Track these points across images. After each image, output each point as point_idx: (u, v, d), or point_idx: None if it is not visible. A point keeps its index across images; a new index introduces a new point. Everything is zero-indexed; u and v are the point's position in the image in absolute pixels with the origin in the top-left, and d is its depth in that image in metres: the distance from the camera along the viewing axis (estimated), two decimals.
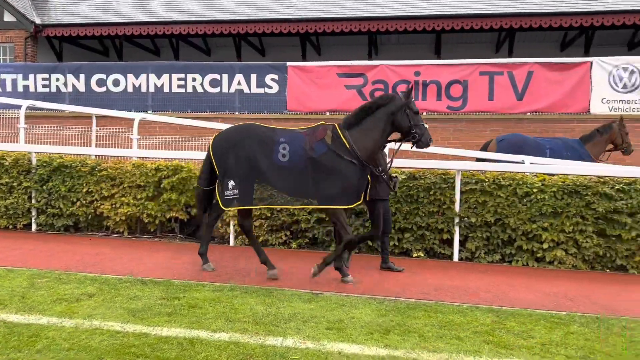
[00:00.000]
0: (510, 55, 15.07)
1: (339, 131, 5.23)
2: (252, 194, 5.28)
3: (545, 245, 6.57)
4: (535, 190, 6.63)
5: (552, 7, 14.27)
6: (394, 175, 5.75)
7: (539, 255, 6.63)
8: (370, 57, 16.12)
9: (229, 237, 7.51)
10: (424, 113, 10.69)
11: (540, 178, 6.77)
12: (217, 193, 5.47)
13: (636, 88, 10.02)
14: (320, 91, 11.05)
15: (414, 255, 6.92)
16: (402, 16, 14.33)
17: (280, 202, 5.33)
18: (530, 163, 7.53)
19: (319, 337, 3.77)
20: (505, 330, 4.05)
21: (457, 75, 10.64)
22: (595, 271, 6.51)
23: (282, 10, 15.06)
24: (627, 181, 6.55)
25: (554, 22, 13.95)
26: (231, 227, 7.44)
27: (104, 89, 11.97)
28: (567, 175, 6.80)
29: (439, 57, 15.59)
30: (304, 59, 15.76)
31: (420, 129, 5.29)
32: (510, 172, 6.93)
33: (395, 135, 5.45)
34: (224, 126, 9.86)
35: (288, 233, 7.30)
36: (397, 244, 7.00)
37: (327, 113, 11.14)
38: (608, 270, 6.53)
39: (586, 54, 14.85)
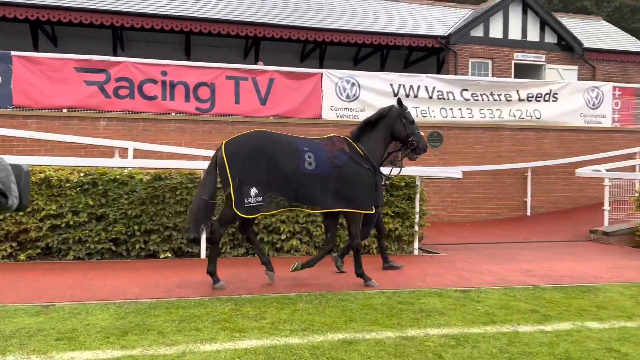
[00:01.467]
0: (256, 62, 16.05)
1: (352, 142, 5.51)
2: (274, 200, 5.15)
3: (283, 236, 7.25)
4: None
5: (292, 21, 15.72)
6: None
7: (278, 245, 7.29)
8: (115, 53, 15.31)
9: None
10: (172, 114, 10.68)
11: None
12: (232, 202, 4.97)
13: (356, 98, 11.75)
14: (55, 86, 10.05)
15: (162, 257, 6.88)
16: (149, 13, 14.00)
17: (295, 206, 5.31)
18: None
19: (47, 349, 3.50)
20: (241, 315, 4.37)
21: (205, 78, 10.89)
22: None
23: None
24: None
25: (293, 35, 15.38)
26: None
27: None
28: None
29: (189, 59, 15.71)
30: (36, 49, 14.10)
31: (417, 137, 5.66)
32: None
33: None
34: None
35: (14, 244, 6.48)
36: (143, 246, 6.85)
37: (65, 110, 10.20)
38: (333, 254, 7.53)
39: (321, 66, 16.77)
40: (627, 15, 30.89)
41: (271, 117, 11.24)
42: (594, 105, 13.40)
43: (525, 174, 12.45)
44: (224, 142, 5.21)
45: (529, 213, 12.43)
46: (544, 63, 17.92)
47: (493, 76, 16.85)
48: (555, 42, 17.95)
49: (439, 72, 17.76)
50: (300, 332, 3.99)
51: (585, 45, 18.04)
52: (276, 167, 5.08)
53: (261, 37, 15.52)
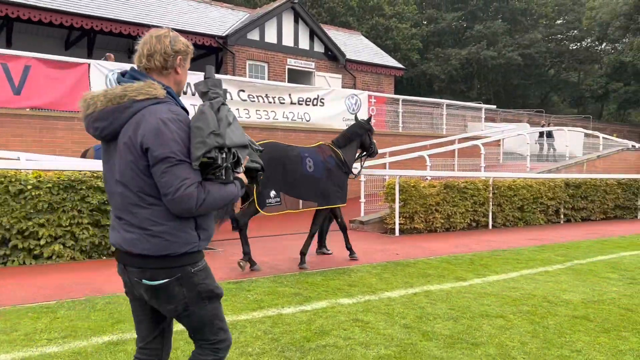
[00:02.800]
0: (8, 46, 14.09)
1: (335, 150, 6.85)
2: (286, 200, 6.28)
3: (42, 242, 6.55)
4: (29, 187, 6.51)
5: (54, 4, 14.18)
6: None
7: (36, 252, 6.55)
8: None
9: None
10: None
11: (35, 175, 6.69)
12: (255, 202, 5.96)
13: None
14: None
15: None
16: None
17: (296, 207, 6.47)
18: (27, 160, 7.33)
19: None
20: None
21: None
22: (92, 260, 6.96)
23: None
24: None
25: (55, 19, 13.92)
26: None
27: None
28: (63, 171, 6.99)
29: None
30: None
31: (374, 145, 7.39)
32: (2, 169, 6.56)
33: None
34: None
35: None
36: None
37: None
38: (104, 257, 7.11)
39: (90, 56, 15.49)
40: (381, 33, 35.55)
41: (28, 109, 10.00)
42: (353, 110, 15.15)
43: None
44: None
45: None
46: (314, 70, 19.59)
47: (269, 79, 17.76)
48: (323, 51, 19.77)
49: (218, 71, 17.99)
50: (60, 340, 3.71)
51: (348, 56, 20.27)
52: (287, 172, 6.20)
53: (14, 18, 13.64)
